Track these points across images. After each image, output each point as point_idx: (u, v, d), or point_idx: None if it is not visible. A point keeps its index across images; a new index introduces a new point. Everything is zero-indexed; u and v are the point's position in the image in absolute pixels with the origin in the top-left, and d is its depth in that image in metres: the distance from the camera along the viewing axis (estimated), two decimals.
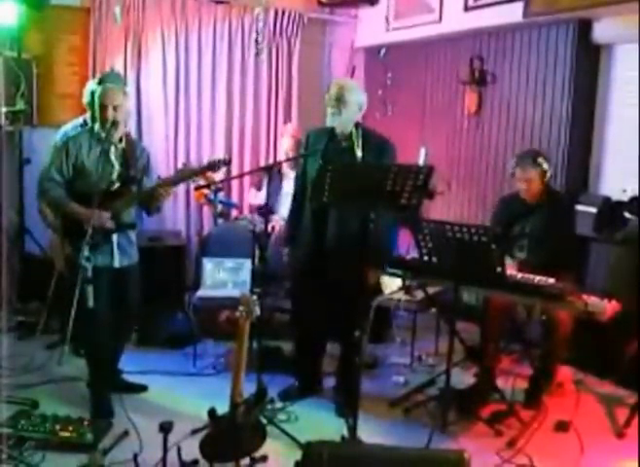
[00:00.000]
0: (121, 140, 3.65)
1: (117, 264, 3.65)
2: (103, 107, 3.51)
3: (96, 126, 3.60)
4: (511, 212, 4.22)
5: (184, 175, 3.90)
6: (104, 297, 3.54)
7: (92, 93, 3.63)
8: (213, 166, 3.70)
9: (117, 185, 3.62)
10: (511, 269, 3.69)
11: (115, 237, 3.62)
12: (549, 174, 4.06)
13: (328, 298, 3.86)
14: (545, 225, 4.05)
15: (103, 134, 3.55)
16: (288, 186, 5.30)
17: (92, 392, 3.64)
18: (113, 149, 3.61)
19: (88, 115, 3.68)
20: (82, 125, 4.41)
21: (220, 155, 6.03)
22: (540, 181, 4.05)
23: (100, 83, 3.69)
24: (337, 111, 3.69)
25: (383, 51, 6.20)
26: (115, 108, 3.52)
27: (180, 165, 4.81)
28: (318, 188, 3.22)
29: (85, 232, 3.34)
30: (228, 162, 3.82)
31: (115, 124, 3.53)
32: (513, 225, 4.19)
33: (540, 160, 4.03)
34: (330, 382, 4.17)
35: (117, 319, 3.71)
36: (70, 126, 4.61)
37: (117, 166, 3.62)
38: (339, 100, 3.68)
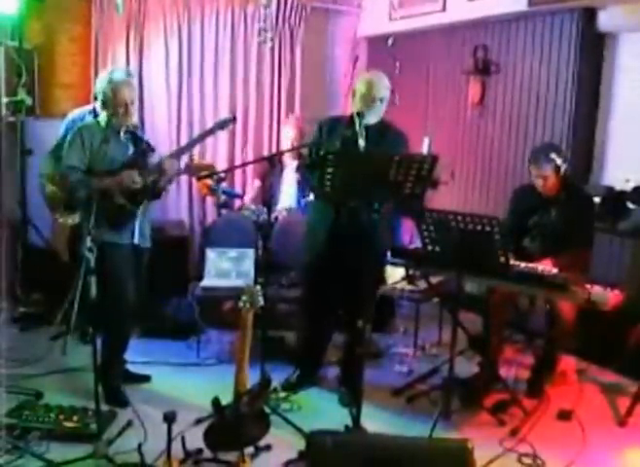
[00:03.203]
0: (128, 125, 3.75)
1: (136, 240, 3.75)
2: (117, 103, 3.61)
3: (108, 117, 3.66)
4: (527, 203, 4.15)
5: (194, 140, 4.11)
6: (128, 274, 3.69)
7: (104, 87, 3.67)
8: (221, 125, 3.88)
9: (133, 158, 3.72)
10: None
11: (137, 216, 3.72)
12: (563, 168, 3.93)
13: (342, 287, 3.85)
14: (563, 220, 3.97)
15: (117, 126, 3.64)
16: (288, 176, 5.30)
17: (107, 381, 3.63)
18: (122, 134, 3.69)
19: (97, 104, 3.71)
20: (91, 113, 4.42)
21: (222, 157, 6.09)
22: (555, 176, 3.94)
23: (111, 77, 3.73)
24: (375, 106, 3.74)
25: (391, 39, 6.16)
26: (127, 103, 3.64)
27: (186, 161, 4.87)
28: (320, 177, 3.22)
29: (116, 207, 3.56)
30: (233, 119, 3.96)
31: (127, 114, 3.65)
32: (528, 216, 4.13)
33: (553, 155, 3.91)
34: (333, 372, 4.18)
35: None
36: (78, 113, 4.61)
37: (130, 147, 3.72)
38: (377, 97, 3.75)
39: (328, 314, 4.04)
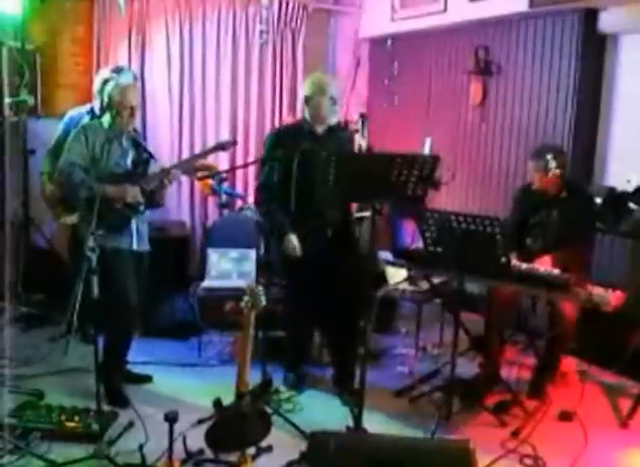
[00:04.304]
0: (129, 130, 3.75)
1: (135, 246, 3.76)
2: (123, 106, 3.61)
3: (111, 120, 3.66)
4: (529, 202, 4.16)
5: (194, 156, 4.16)
6: (129, 277, 3.70)
7: (110, 90, 3.68)
8: (222, 147, 3.89)
9: (133, 168, 3.73)
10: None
11: (134, 221, 3.73)
12: (553, 172, 3.92)
13: (327, 287, 3.88)
14: (564, 219, 3.98)
15: (119, 128, 3.65)
16: None
17: (108, 381, 3.60)
18: (125, 138, 3.71)
19: (96, 104, 3.72)
20: (89, 113, 4.43)
21: (224, 157, 6.08)
22: (543, 176, 3.95)
23: (118, 79, 3.73)
24: (336, 107, 3.75)
25: (391, 40, 6.18)
26: (132, 107, 3.65)
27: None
28: (323, 179, 3.22)
29: (114, 211, 3.57)
30: (234, 143, 3.98)
31: (130, 118, 3.66)
32: (530, 214, 4.14)
33: (548, 156, 3.91)
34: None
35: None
36: (76, 112, 4.62)
37: (130, 152, 3.73)
38: (336, 98, 3.76)
39: (313, 315, 4.08)
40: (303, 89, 3.82)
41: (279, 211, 3.77)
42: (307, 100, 3.77)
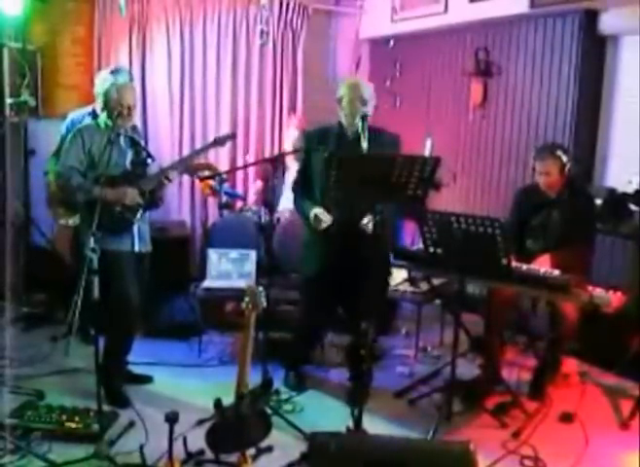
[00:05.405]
0: (127, 129, 3.75)
1: (136, 248, 3.76)
2: (120, 105, 3.61)
3: (107, 119, 3.67)
4: (530, 203, 4.15)
5: (193, 153, 4.12)
6: (130, 279, 3.70)
7: (107, 89, 3.69)
8: (221, 141, 3.88)
9: (131, 169, 3.73)
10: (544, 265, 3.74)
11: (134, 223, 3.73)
12: (568, 167, 3.94)
13: (345, 292, 3.88)
14: (565, 220, 3.98)
15: (117, 128, 3.64)
16: (291, 178, 5.30)
17: (108, 382, 3.60)
18: (122, 137, 3.70)
19: (97, 105, 3.72)
20: (90, 114, 4.44)
21: (224, 158, 6.08)
22: (559, 173, 3.94)
23: (115, 79, 3.73)
24: (366, 109, 3.73)
25: (392, 41, 6.18)
26: (130, 106, 3.64)
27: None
28: (324, 180, 3.23)
29: (114, 214, 3.56)
30: (233, 136, 3.97)
31: (127, 117, 3.65)
32: (530, 216, 4.13)
33: (558, 152, 3.93)
34: (335, 374, 4.18)
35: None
36: (78, 115, 4.63)
37: (129, 153, 3.73)
38: (367, 99, 3.75)
39: (326, 320, 4.13)
40: (337, 92, 3.83)
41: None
42: (340, 100, 3.81)
